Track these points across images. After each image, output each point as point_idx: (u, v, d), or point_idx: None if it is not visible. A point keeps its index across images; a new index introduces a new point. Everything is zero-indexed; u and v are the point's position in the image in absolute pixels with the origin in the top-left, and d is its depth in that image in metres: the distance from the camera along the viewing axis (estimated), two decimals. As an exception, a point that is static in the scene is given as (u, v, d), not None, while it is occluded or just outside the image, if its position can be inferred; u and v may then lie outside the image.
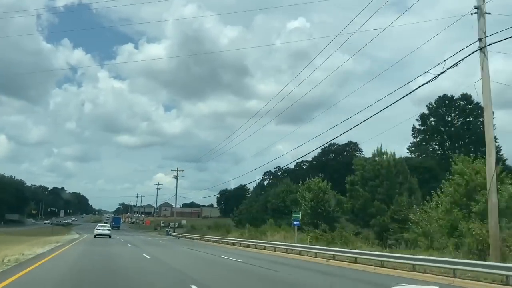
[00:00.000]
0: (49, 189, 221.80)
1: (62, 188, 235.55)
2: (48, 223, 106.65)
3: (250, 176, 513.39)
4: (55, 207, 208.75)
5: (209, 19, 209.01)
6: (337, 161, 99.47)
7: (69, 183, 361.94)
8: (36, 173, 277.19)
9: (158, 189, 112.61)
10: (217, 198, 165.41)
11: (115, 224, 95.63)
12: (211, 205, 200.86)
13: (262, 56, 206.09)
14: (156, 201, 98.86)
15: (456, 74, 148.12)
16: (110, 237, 45.33)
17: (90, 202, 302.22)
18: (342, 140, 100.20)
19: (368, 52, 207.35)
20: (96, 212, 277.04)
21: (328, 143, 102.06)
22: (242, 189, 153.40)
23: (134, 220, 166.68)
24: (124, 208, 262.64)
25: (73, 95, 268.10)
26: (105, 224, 57.10)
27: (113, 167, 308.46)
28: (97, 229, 47.36)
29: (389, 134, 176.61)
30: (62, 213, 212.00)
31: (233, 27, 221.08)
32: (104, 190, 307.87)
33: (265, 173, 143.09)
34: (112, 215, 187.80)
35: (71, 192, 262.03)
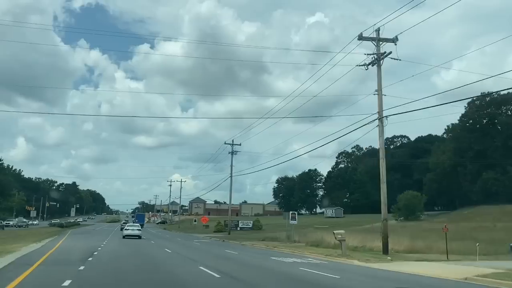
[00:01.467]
0: (58, 184, 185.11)
1: (74, 183, 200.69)
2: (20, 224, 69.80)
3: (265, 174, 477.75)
4: (64, 205, 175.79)
5: (226, 16, 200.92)
6: (506, 117, 60.13)
7: (86, 185, 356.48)
8: (54, 175, 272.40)
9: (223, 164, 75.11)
10: (274, 189, 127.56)
11: (139, 222, 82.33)
12: (244, 202, 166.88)
13: (281, 52, 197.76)
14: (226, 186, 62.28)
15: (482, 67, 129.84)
16: (140, 237, 40.30)
17: (107, 202, 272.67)
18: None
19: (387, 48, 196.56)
20: (114, 213, 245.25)
21: (481, 95, 64.09)
22: (309, 175, 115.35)
23: (161, 219, 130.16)
24: (145, 207, 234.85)
25: (90, 96, 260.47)
26: (134, 224, 51.18)
27: (129, 168, 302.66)
28: (126, 229, 42.60)
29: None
30: (73, 212, 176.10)
31: (250, 23, 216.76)
32: (121, 191, 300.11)
33: (339, 154, 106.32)
34: (136, 212, 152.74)
35: (85, 189, 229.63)
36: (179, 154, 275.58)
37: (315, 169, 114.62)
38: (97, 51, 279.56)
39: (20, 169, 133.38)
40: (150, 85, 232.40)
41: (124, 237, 39.52)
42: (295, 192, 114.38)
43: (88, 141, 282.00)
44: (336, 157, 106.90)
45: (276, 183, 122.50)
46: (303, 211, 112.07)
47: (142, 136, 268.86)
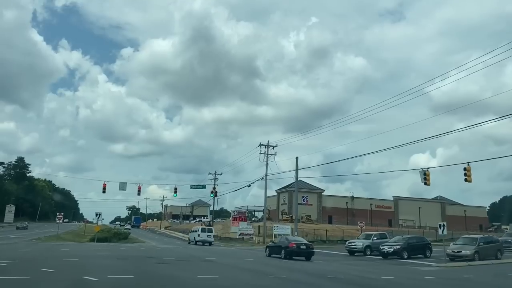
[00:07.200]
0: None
1: (21, 160, 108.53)
2: None
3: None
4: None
5: (219, 16, 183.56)
6: None
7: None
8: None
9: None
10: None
11: (136, 223, 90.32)
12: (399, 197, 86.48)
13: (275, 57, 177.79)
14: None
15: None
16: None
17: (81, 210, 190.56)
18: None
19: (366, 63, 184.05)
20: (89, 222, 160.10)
21: None
22: None
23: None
24: (135, 214, 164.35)
25: (69, 100, 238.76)
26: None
27: (106, 178, 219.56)
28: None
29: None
30: (9, 213, 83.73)
31: (245, 24, 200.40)
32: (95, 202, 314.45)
33: None
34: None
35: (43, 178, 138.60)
36: (160, 164, 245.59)
37: None
38: (79, 52, 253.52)
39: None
40: (133, 90, 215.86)
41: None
42: None
43: (64, 148, 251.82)
44: None
45: None
46: None
47: (122, 143, 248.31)
